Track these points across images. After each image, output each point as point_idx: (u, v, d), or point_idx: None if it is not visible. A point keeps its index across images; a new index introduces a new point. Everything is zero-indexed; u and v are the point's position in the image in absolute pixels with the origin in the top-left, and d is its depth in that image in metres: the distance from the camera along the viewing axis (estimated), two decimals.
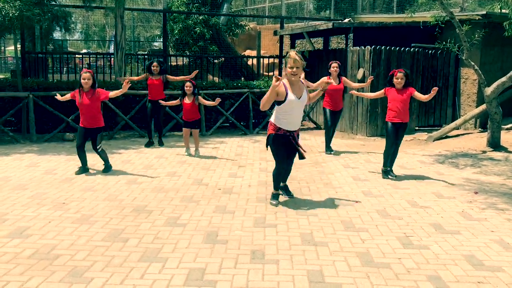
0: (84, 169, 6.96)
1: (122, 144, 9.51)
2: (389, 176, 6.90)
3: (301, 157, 5.49)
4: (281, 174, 5.63)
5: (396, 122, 6.83)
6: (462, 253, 4.25)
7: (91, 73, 6.69)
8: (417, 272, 3.84)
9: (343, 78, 8.72)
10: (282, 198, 5.88)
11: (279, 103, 5.24)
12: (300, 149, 5.44)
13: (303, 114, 5.48)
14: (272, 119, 5.44)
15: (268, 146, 5.51)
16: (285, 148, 5.43)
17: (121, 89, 6.67)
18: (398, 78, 6.76)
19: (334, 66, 8.53)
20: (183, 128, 8.38)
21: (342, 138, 10.59)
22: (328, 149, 8.80)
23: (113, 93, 6.74)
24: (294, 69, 5.13)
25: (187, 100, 8.13)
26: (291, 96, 5.19)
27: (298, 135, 5.53)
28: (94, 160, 7.81)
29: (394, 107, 6.82)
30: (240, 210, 5.37)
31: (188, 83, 8.10)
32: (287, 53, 5.22)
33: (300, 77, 5.34)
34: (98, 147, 6.92)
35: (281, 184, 5.86)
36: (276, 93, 5.17)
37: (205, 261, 3.98)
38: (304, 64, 5.23)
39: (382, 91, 7.07)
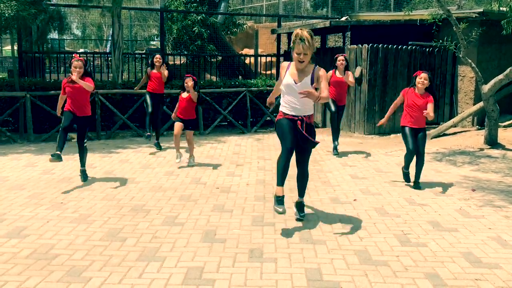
0: (58, 156, 6.09)
1: (120, 143, 9.50)
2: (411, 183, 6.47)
3: (313, 144, 4.82)
4: (287, 163, 4.72)
5: (413, 127, 6.25)
6: (460, 250, 4.26)
7: (82, 61, 6.33)
8: (414, 270, 3.85)
9: (349, 72, 8.30)
10: (286, 196, 5.87)
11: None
12: (308, 137, 4.70)
13: (311, 102, 4.72)
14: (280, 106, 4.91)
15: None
16: (291, 132, 4.67)
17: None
18: (422, 78, 6.14)
19: (340, 60, 8.18)
20: (175, 123, 7.43)
21: (340, 136, 10.57)
22: (335, 149, 8.47)
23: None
24: (302, 56, 4.54)
25: (184, 95, 7.43)
26: (287, 79, 4.68)
27: (310, 125, 4.80)
28: (92, 160, 7.80)
29: (411, 112, 6.23)
30: (238, 209, 5.37)
31: (188, 79, 7.36)
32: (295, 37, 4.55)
33: (306, 64, 4.63)
34: (84, 142, 6.54)
35: (298, 199, 5.13)
36: (281, 76, 4.80)
37: (203, 260, 3.98)
38: (314, 49, 4.62)
39: (400, 95, 6.40)
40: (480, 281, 3.67)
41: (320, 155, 8.51)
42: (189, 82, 7.34)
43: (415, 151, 6.25)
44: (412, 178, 6.47)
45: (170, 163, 7.68)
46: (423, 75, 6.16)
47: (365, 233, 4.65)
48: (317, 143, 4.84)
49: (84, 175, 6.59)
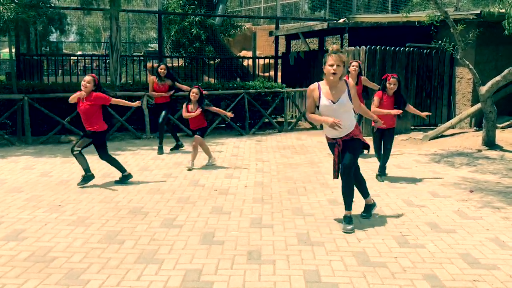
0: (88, 177, 6.48)
1: (118, 145, 9.50)
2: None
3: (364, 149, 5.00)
4: (351, 188, 4.79)
5: (382, 128, 6.63)
6: (458, 251, 4.26)
7: (94, 77, 6.37)
8: (413, 271, 3.85)
9: (362, 77, 8.22)
10: (282, 197, 5.88)
11: (317, 107, 4.65)
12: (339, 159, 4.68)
13: (351, 118, 4.68)
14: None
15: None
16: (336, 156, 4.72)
17: (129, 103, 6.76)
18: (391, 83, 6.57)
19: (354, 65, 8.05)
20: (195, 136, 7.56)
21: None
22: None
23: (115, 100, 6.54)
24: (335, 67, 4.43)
25: (191, 108, 7.45)
26: (323, 100, 4.55)
27: (353, 138, 4.72)
28: (91, 162, 7.79)
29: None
30: (237, 211, 5.37)
31: (194, 89, 7.44)
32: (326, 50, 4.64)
33: (341, 77, 4.57)
34: (104, 154, 6.58)
35: (367, 203, 5.15)
36: (313, 99, 4.62)
37: (201, 262, 3.98)
38: (346, 60, 4.60)
39: (377, 98, 6.70)
40: (478, 282, 3.68)
41: (319, 157, 8.52)
42: (195, 94, 7.40)
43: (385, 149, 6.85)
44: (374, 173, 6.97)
45: (168, 166, 7.68)
46: (392, 80, 6.60)
47: (363, 235, 4.65)
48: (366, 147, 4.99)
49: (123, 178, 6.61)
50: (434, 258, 4.10)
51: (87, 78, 6.29)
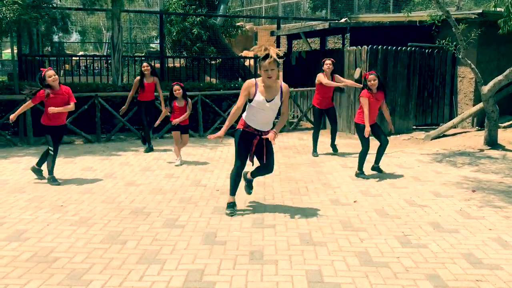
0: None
1: (120, 146, 9.51)
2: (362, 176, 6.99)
3: (267, 161, 5.26)
4: (239, 176, 5.32)
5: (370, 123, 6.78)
6: (461, 251, 4.25)
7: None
8: (415, 271, 3.85)
9: (336, 76, 8.50)
10: (284, 197, 5.88)
11: (250, 101, 5.11)
12: (265, 152, 5.18)
13: (274, 116, 5.21)
14: (244, 115, 5.29)
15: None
16: (246, 146, 5.19)
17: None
18: (371, 80, 6.74)
19: (327, 63, 8.30)
20: (173, 132, 7.78)
21: (340, 138, 10.58)
22: (315, 151, 8.67)
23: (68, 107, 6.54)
24: (269, 72, 4.86)
25: (177, 104, 7.61)
26: (259, 97, 5.00)
27: (271, 136, 5.10)
28: (92, 162, 7.81)
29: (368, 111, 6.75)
30: (238, 211, 5.36)
31: (176, 86, 7.55)
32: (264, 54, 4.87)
33: (275, 79, 4.96)
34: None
35: (249, 177, 5.60)
36: (248, 93, 5.06)
37: (203, 262, 3.98)
38: (279, 63, 5.07)
39: (366, 98, 6.78)
40: (481, 282, 3.67)
41: (320, 157, 8.51)
42: (178, 90, 7.54)
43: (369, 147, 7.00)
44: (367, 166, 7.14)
45: (170, 166, 7.68)
46: (371, 76, 6.80)
47: (365, 235, 4.65)
48: (268, 162, 5.32)
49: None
50: (436, 258, 4.10)
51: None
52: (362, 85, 8.27)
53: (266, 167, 5.38)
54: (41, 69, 6.80)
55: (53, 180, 6.45)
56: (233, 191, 5.36)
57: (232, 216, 5.20)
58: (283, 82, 5.16)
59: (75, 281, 3.64)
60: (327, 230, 4.76)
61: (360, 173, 6.98)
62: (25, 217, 5.10)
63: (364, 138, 6.91)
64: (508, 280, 3.70)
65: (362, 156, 7.01)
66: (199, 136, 10.67)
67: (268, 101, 5.02)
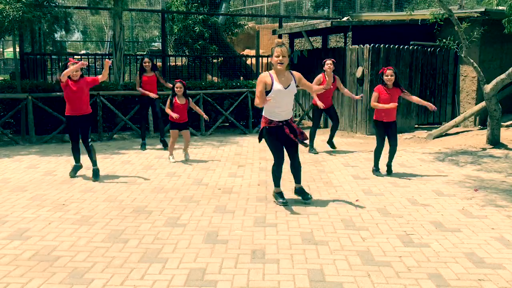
0: (77, 167, 6.90)
1: (122, 144, 9.51)
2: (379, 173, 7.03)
3: (304, 145, 5.56)
4: (280, 168, 5.57)
5: (385, 121, 6.86)
6: (463, 250, 4.24)
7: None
8: (417, 270, 3.84)
9: (337, 79, 8.55)
10: (286, 196, 5.87)
11: (267, 93, 5.25)
12: (298, 137, 5.40)
13: (292, 104, 5.49)
14: (263, 112, 5.45)
15: (263, 139, 5.56)
16: (280, 140, 5.42)
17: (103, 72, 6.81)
18: (388, 75, 6.75)
19: (328, 63, 8.21)
20: (171, 130, 7.84)
21: (341, 137, 10.59)
22: (312, 148, 8.70)
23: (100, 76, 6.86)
24: (281, 58, 5.17)
25: (178, 101, 7.71)
26: (276, 85, 5.22)
27: (293, 123, 5.47)
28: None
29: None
30: (240, 210, 5.36)
31: (178, 84, 7.67)
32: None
33: (285, 68, 5.31)
34: (89, 140, 6.78)
35: (296, 186, 5.79)
36: (264, 84, 5.24)
37: (205, 261, 3.98)
38: (290, 53, 5.23)
39: (376, 93, 6.87)
40: (483, 281, 3.66)
41: (322, 156, 8.50)
42: (180, 88, 7.68)
43: (384, 145, 6.98)
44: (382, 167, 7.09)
45: (171, 165, 7.68)
46: (389, 71, 6.77)
47: (367, 234, 4.64)
48: (306, 143, 5.62)
49: (95, 174, 6.72)
50: (439, 257, 4.09)
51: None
52: (359, 97, 8.52)
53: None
54: (69, 58, 7.05)
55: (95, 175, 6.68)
56: (277, 183, 5.63)
57: (285, 205, 5.45)
58: (292, 71, 5.45)
59: (76, 279, 3.64)
60: (329, 229, 4.75)
61: (375, 170, 7.05)
62: (27, 216, 5.11)
63: (378, 136, 6.96)
64: (510, 280, 3.69)
65: (376, 153, 7.05)
66: (201, 135, 10.66)
67: (285, 88, 5.26)
